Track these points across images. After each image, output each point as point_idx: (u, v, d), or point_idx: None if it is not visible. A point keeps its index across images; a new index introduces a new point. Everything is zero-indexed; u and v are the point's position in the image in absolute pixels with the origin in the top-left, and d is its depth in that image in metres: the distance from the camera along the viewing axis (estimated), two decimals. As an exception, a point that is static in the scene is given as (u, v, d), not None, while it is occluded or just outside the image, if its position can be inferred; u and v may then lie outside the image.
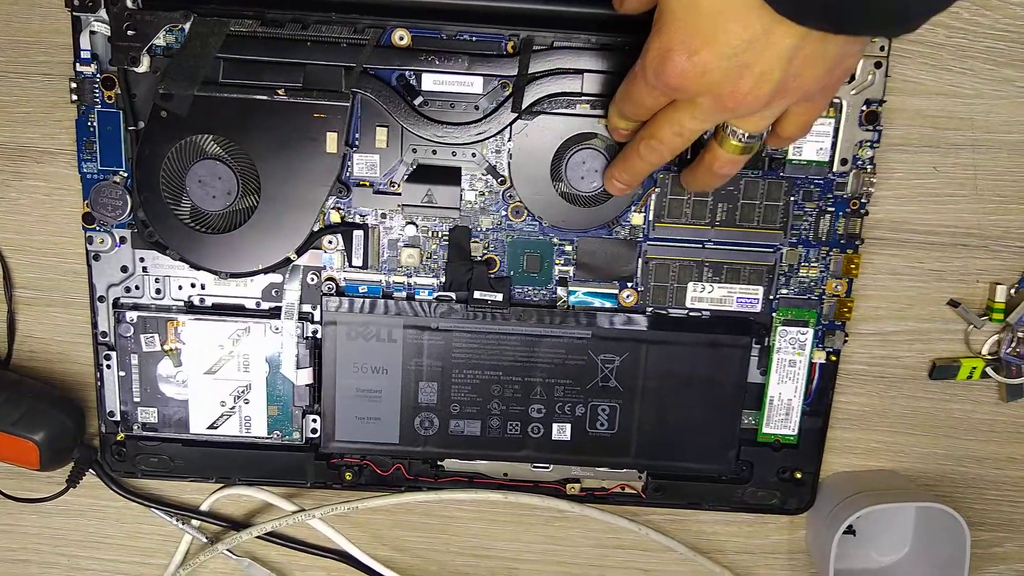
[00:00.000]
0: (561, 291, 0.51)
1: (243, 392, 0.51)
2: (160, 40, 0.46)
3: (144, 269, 0.50)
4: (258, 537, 0.54)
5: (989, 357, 0.54)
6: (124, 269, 0.50)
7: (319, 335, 0.51)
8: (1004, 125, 0.51)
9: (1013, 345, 0.54)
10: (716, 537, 0.57)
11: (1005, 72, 0.50)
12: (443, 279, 0.50)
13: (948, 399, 0.55)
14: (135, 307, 0.50)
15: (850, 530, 0.55)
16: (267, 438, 0.52)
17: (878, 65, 0.48)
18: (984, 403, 0.55)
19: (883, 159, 0.50)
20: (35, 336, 0.53)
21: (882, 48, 0.48)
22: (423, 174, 0.49)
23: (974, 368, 0.54)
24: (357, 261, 0.50)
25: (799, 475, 0.54)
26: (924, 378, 0.55)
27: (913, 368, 0.54)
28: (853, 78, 0.48)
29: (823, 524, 0.54)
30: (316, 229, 0.49)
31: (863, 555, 0.57)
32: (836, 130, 0.49)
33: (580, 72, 0.47)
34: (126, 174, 0.48)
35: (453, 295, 0.50)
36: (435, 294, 0.51)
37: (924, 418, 0.55)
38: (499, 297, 0.50)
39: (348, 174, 0.49)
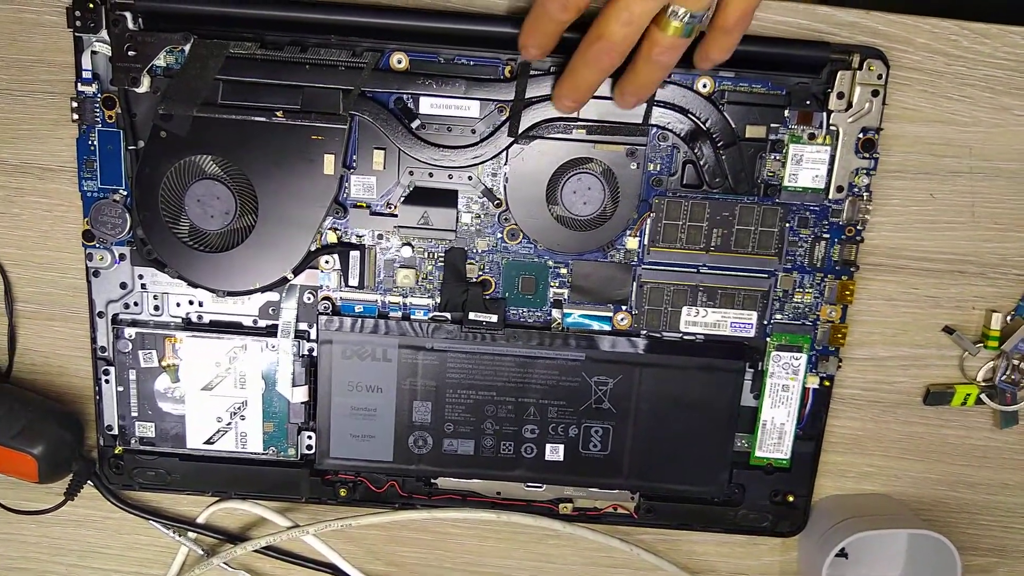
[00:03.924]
0: (556, 313, 0.51)
1: (239, 408, 0.52)
2: (160, 61, 0.47)
3: (143, 286, 0.51)
4: (253, 551, 0.54)
5: (984, 384, 0.54)
6: (123, 286, 0.51)
7: (315, 353, 0.51)
8: (1002, 153, 0.51)
9: (1008, 372, 0.54)
10: (708, 558, 0.57)
11: (1003, 100, 0.50)
12: (438, 300, 0.51)
13: (942, 425, 0.55)
14: (134, 323, 0.51)
15: (842, 553, 0.55)
16: (263, 454, 0.52)
17: (875, 93, 0.48)
18: (978, 429, 0.55)
19: (880, 185, 0.50)
20: (35, 350, 0.54)
21: (880, 76, 0.48)
22: (420, 196, 0.49)
23: (968, 394, 0.54)
24: (353, 281, 0.50)
25: (791, 498, 0.54)
26: (918, 403, 0.55)
27: (907, 393, 0.55)
28: (851, 104, 0.48)
29: (815, 547, 0.54)
30: (313, 249, 0.49)
31: (855, 578, 0.57)
32: (832, 157, 0.49)
33: (577, 97, 0.47)
34: (126, 193, 0.49)
35: (448, 316, 0.51)
36: (430, 315, 0.51)
37: (918, 443, 0.55)
38: (494, 318, 0.50)
39: (345, 195, 0.49)
